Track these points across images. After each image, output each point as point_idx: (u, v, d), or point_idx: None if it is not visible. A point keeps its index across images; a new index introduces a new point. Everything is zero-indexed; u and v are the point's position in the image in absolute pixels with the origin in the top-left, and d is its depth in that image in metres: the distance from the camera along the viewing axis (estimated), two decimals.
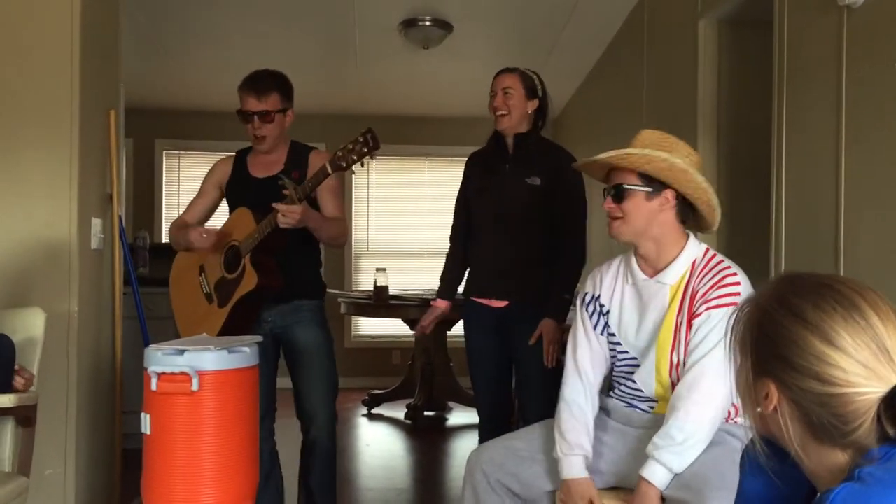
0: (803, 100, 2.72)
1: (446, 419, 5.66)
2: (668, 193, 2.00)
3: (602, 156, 2.03)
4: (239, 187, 2.78)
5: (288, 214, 2.43)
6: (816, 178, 2.62)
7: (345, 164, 2.38)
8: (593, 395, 2.13)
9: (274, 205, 2.46)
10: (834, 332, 1.00)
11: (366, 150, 2.36)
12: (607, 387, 2.21)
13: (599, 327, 2.14)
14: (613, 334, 2.12)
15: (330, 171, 2.42)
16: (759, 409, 1.07)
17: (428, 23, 4.81)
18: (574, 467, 2.02)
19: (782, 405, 1.04)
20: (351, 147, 2.38)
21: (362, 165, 2.41)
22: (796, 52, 2.76)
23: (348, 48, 5.32)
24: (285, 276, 2.65)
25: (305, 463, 2.80)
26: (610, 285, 2.14)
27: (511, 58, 4.59)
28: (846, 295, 1.03)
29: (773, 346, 1.04)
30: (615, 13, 4.74)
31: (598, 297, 2.15)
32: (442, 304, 3.06)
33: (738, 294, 1.93)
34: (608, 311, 2.13)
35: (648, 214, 2.01)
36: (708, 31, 3.56)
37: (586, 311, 2.17)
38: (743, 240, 3.27)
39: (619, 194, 2.02)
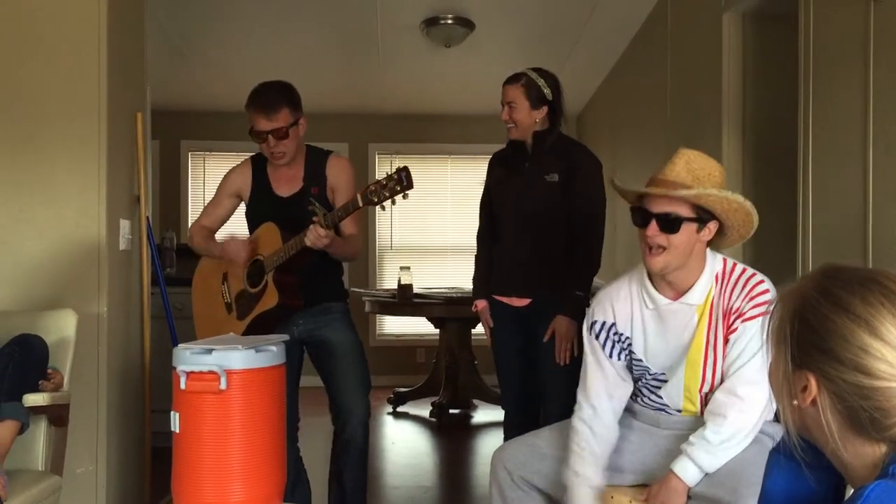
0: (829, 94, 2.69)
1: (471, 417, 5.67)
2: (713, 224, 1.91)
3: (682, 192, 1.84)
4: (263, 205, 2.78)
5: (318, 242, 2.45)
6: (844, 173, 2.59)
7: (376, 200, 2.37)
8: (607, 424, 2.05)
9: (309, 230, 2.46)
10: (881, 326, 1.00)
11: (399, 188, 2.35)
12: (632, 394, 2.20)
13: (615, 353, 2.06)
14: (640, 360, 2.06)
15: (360, 204, 2.42)
16: (795, 402, 1.07)
17: (450, 21, 4.81)
18: (584, 501, 2.00)
19: (822, 398, 1.04)
20: (384, 183, 2.36)
21: (393, 203, 2.39)
22: (822, 45, 2.73)
23: (370, 47, 5.33)
24: (310, 286, 2.67)
25: (338, 462, 2.80)
26: (626, 312, 2.04)
27: (533, 55, 4.60)
28: (893, 290, 1.03)
29: (816, 338, 1.04)
30: (638, 8, 4.72)
31: (614, 324, 2.05)
32: (483, 304, 3.05)
33: (769, 302, 1.90)
34: (629, 339, 2.05)
35: (693, 246, 1.91)
36: (732, 24, 3.53)
37: (596, 339, 2.07)
38: (769, 235, 3.24)
39: (671, 225, 1.87)
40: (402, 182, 2.35)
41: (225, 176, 2.89)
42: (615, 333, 2.06)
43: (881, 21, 2.37)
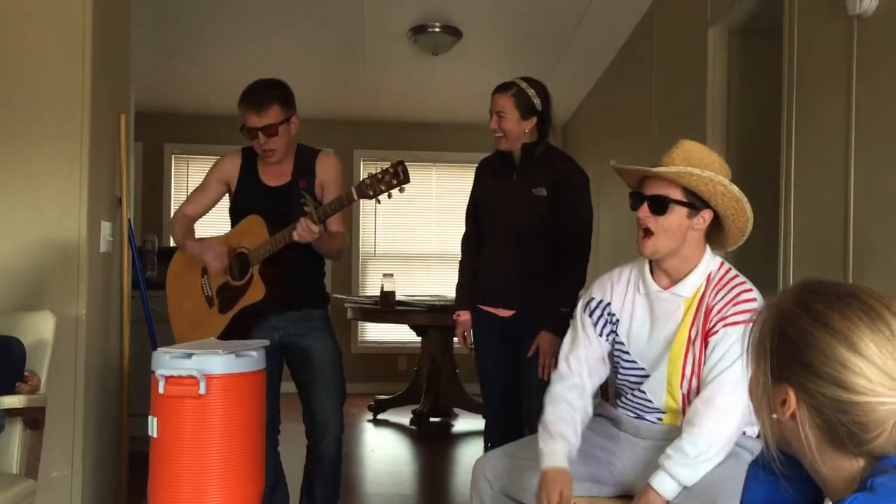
0: (813, 109, 2.71)
1: (452, 425, 5.66)
2: (707, 213, 1.95)
3: (662, 170, 1.90)
4: (251, 195, 2.75)
5: (306, 235, 2.43)
6: (826, 187, 2.61)
7: (371, 193, 2.36)
8: (585, 398, 2.07)
9: (299, 222, 2.43)
10: (859, 341, 1.00)
11: (395, 182, 2.34)
12: (614, 395, 2.20)
13: (605, 334, 2.10)
14: (622, 343, 2.09)
15: (355, 197, 2.40)
16: (774, 416, 1.07)
17: (437, 29, 4.83)
18: (555, 455, 1.95)
19: (801, 412, 1.04)
20: (380, 177, 2.35)
21: (389, 197, 2.37)
22: (806, 60, 2.75)
23: (358, 54, 5.34)
24: (294, 284, 2.65)
25: (310, 477, 2.77)
26: (621, 294, 2.09)
27: (520, 64, 4.63)
28: (872, 305, 1.03)
29: (795, 352, 1.04)
30: (625, 20, 4.75)
31: (609, 304, 2.10)
32: (465, 315, 3.03)
33: (754, 311, 1.90)
34: (618, 321, 2.09)
35: (684, 232, 1.94)
36: (718, 39, 3.56)
37: (590, 315, 2.11)
38: (751, 248, 3.27)
39: (661, 206, 1.92)
40: (398, 176, 2.34)
41: (215, 163, 2.88)
42: (609, 314, 2.10)
43: (864, 38, 2.40)
